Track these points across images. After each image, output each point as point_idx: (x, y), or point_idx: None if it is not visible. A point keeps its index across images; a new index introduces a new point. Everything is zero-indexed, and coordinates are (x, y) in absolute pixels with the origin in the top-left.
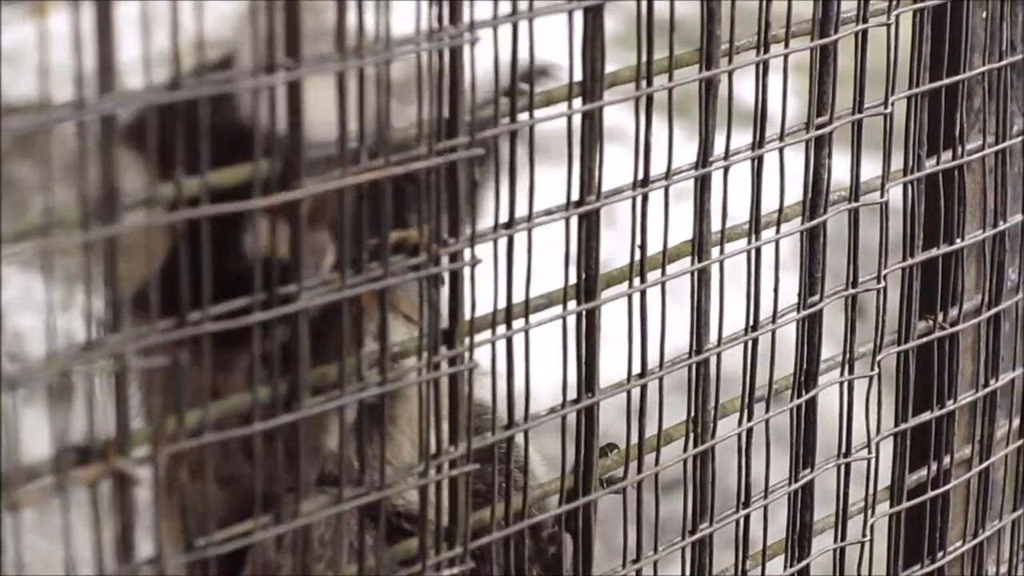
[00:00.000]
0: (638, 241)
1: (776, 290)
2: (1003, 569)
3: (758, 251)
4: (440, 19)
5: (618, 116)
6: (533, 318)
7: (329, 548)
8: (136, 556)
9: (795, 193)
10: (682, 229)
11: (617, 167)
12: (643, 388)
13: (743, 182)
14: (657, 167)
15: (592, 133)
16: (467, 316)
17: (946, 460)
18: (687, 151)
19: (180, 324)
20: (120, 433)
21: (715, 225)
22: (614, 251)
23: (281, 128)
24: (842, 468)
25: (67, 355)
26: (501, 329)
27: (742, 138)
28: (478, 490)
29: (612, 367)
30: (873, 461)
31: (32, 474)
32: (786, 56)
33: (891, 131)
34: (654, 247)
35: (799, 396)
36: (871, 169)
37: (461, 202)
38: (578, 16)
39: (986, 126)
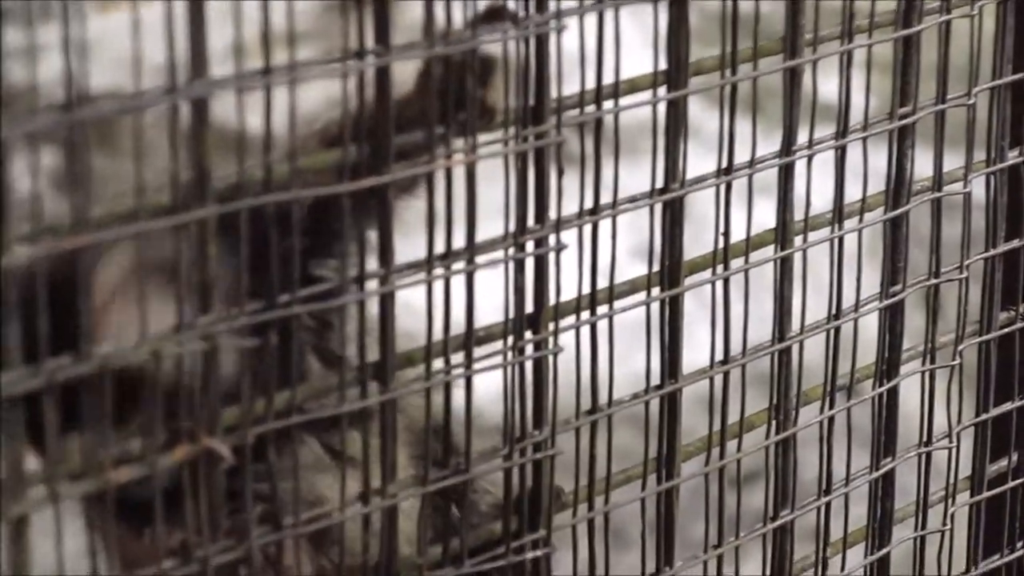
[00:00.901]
0: (721, 229)
1: (859, 280)
2: None
3: (840, 240)
4: (527, 7)
5: (697, 113)
6: (617, 304)
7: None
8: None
9: (876, 188)
10: (763, 224)
11: (696, 163)
12: (725, 375)
13: (825, 177)
14: (738, 161)
15: (676, 121)
16: (552, 301)
17: None
18: (769, 146)
19: (270, 306)
20: (210, 413)
21: (798, 215)
22: (690, 244)
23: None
24: (923, 457)
25: (159, 337)
26: (585, 315)
27: (825, 133)
28: None
29: (693, 356)
30: (954, 451)
31: (124, 453)
32: (869, 48)
33: (974, 123)
34: (736, 237)
35: (880, 385)
36: (953, 163)
37: (547, 188)
38: (663, 4)
39: None
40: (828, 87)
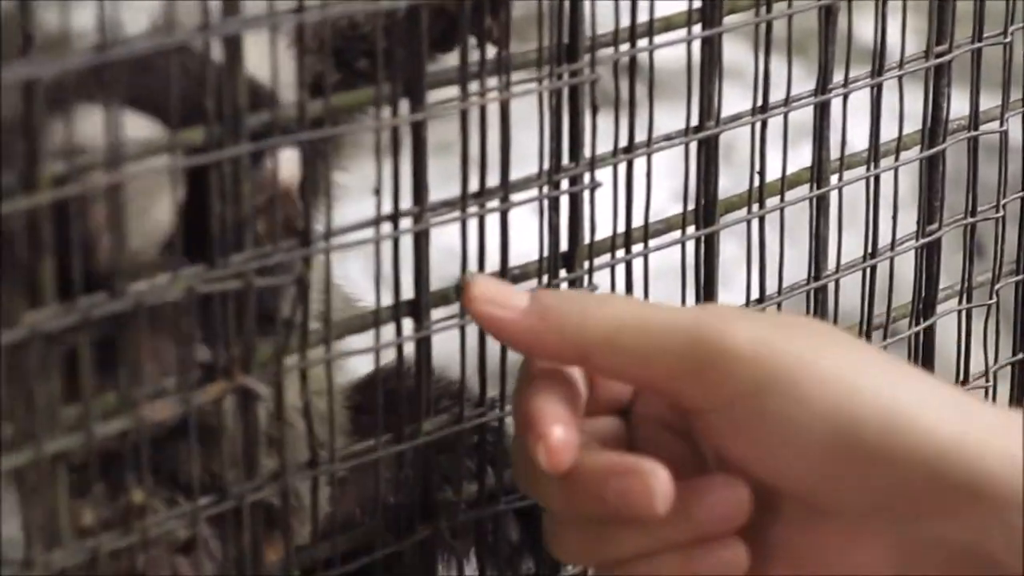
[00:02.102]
0: (756, 168)
1: (895, 219)
2: None
3: (877, 179)
4: None
5: (735, 55)
6: (652, 243)
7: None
8: (259, 473)
9: (913, 129)
10: (800, 166)
11: (735, 105)
12: None
13: (861, 119)
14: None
15: (711, 60)
16: (586, 240)
17: None
18: (806, 87)
19: (304, 243)
20: (244, 350)
21: (834, 155)
22: (729, 189)
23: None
24: None
25: (192, 274)
26: (620, 254)
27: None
28: None
29: (728, 296)
30: (990, 390)
31: (159, 390)
32: None
33: (1010, 62)
34: (772, 176)
35: (916, 325)
36: (989, 104)
37: (581, 127)
38: None
39: None
40: (864, 29)
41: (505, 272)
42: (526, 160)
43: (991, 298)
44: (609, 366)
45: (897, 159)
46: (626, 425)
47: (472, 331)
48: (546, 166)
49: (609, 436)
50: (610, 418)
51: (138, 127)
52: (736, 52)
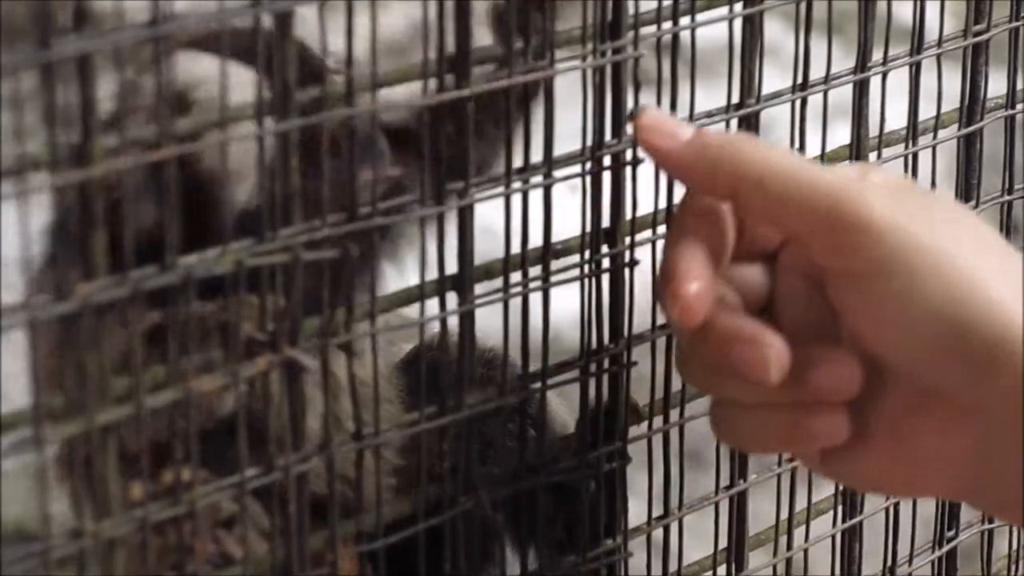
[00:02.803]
0: (796, 145)
1: None
2: None
3: (914, 157)
4: None
5: (776, 34)
6: None
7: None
8: (305, 445)
9: (952, 104)
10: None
11: (775, 85)
12: None
13: (899, 98)
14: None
15: (752, 38)
16: (628, 215)
17: None
18: (844, 67)
19: (350, 219)
20: (291, 324)
21: (873, 132)
22: None
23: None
24: None
25: (241, 247)
26: (662, 229)
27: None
28: None
29: None
30: None
31: (205, 364)
32: None
33: None
34: (811, 153)
35: None
36: None
37: (624, 104)
38: None
39: None
40: (903, 9)
41: (548, 247)
42: (567, 138)
43: None
44: (755, 207)
45: (935, 137)
46: (770, 272)
47: (515, 304)
48: (588, 142)
49: (752, 283)
50: (755, 266)
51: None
52: (773, 30)
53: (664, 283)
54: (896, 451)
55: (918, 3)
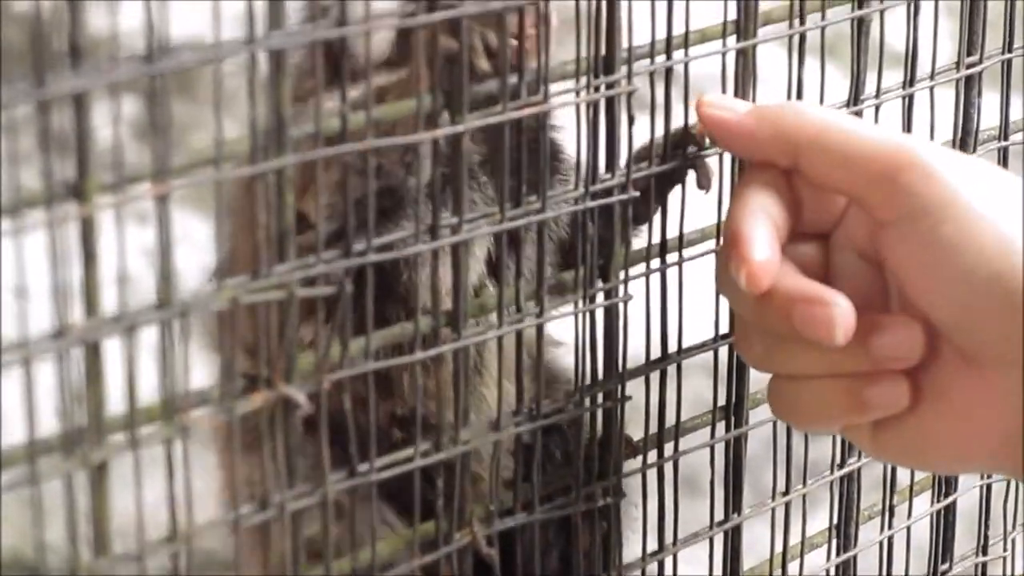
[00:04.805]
0: None
1: None
2: None
3: None
4: None
5: (765, 59)
6: (687, 252)
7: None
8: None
9: (945, 135)
10: None
11: None
12: None
13: (894, 124)
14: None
15: (745, 70)
16: (622, 250)
17: None
18: (839, 91)
19: (345, 254)
20: (286, 360)
21: None
22: None
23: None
24: None
25: (236, 284)
26: (655, 264)
27: (893, 79)
28: None
29: None
30: None
31: (201, 399)
32: None
33: None
34: None
35: None
36: (1020, 112)
37: (618, 137)
38: None
39: None
40: (897, 34)
41: (541, 282)
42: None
43: None
44: (817, 165)
45: None
46: (824, 252)
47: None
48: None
49: (808, 261)
50: (810, 244)
51: None
52: (768, 58)
53: (730, 249)
54: (945, 419)
55: (911, 33)
